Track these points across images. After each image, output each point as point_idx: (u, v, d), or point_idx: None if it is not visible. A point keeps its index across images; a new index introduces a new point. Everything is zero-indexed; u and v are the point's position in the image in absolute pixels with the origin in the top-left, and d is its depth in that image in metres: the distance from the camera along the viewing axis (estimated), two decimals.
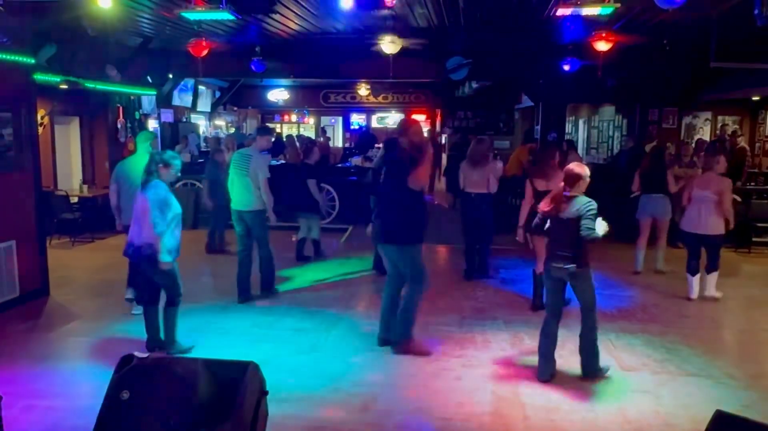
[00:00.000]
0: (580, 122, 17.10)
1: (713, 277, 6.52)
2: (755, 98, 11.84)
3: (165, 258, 4.64)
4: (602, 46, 8.52)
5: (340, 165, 13.66)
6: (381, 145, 8.35)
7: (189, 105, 15.05)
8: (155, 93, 12.03)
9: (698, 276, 6.56)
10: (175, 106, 14.12)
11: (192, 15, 7.23)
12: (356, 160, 13.09)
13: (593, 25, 8.26)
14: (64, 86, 9.03)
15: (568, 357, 5.04)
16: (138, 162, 5.61)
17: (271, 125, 21.05)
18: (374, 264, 7.37)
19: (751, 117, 12.84)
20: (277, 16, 8.30)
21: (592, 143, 16.01)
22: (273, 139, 7.81)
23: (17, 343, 5.29)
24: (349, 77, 15.05)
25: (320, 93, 19.08)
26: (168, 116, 14.05)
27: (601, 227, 4.36)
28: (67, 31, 7.97)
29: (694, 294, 6.55)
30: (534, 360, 4.99)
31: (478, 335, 5.54)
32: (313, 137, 19.38)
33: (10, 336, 5.44)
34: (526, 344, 5.33)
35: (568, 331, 5.62)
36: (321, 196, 8.18)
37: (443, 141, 17.83)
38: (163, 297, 4.96)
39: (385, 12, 7.95)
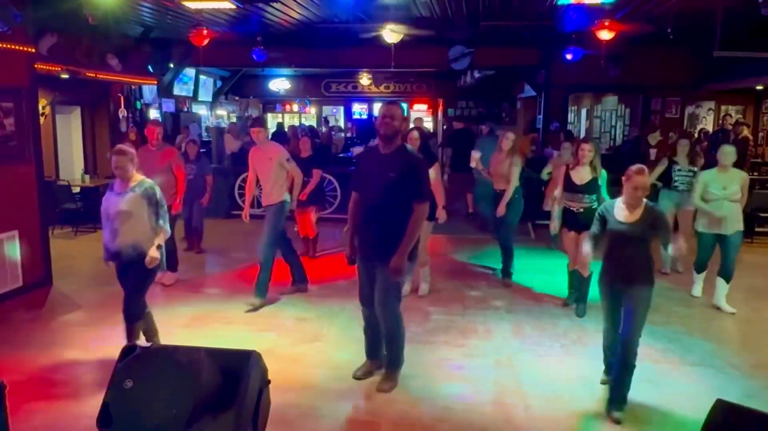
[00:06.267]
0: (583, 112, 17.04)
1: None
2: (759, 87, 11.76)
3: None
4: (605, 35, 8.45)
5: (341, 155, 13.63)
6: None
7: (190, 94, 15.01)
8: (156, 82, 11.99)
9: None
10: (176, 95, 14.08)
11: (193, 3, 7.20)
12: (357, 149, 13.06)
13: (596, 14, 8.20)
14: (65, 76, 9.00)
15: (569, 347, 5.06)
16: None
17: (272, 115, 21.00)
18: None
19: (755, 106, 12.77)
20: (278, 5, 8.24)
21: (594, 133, 15.95)
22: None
23: (21, 332, 5.32)
24: (350, 67, 14.97)
25: (322, 82, 19.00)
26: (169, 106, 14.01)
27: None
28: (67, 21, 7.92)
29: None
30: (535, 348, 5.02)
31: (480, 325, 5.55)
32: (315, 126, 19.40)
33: (14, 326, 5.46)
34: (527, 333, 5.34)
35: (571, 321, 5.66)
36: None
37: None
38: None
39: (387, 1, 7.92)
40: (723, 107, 12.81)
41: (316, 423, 3.81)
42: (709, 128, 12.52)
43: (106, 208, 4.41)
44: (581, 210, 5.60)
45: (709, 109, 12.92)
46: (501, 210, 6.54)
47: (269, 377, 3.33)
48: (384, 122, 3.95)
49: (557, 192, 5.87)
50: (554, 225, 5.91)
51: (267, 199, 6.03)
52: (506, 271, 6.89)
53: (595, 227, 4.16)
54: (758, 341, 5.39)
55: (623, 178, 3.96)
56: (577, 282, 5.89)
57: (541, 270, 7.38)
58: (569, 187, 5.68)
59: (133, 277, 4.39)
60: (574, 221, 5.68)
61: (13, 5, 5.56)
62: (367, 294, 4.25)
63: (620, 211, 3.98)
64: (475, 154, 7.01)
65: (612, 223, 4.00)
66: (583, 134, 15.99)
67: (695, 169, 7.01)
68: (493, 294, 6.45)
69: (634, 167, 3.95)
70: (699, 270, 6.44)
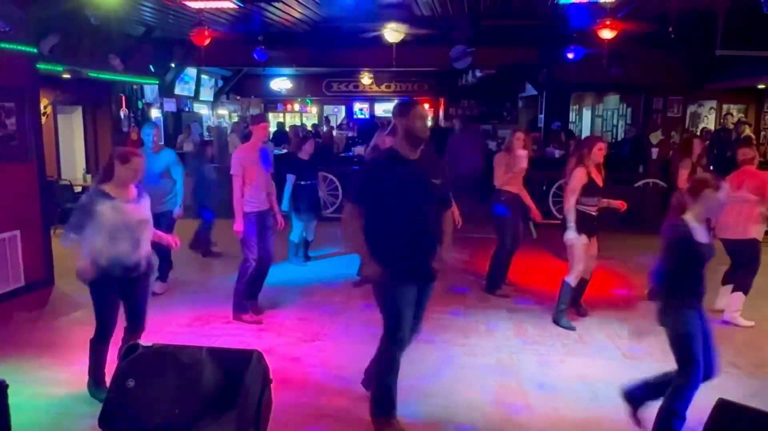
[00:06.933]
0: (584, 111, 17.04)
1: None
2: (761, 86, 11.76)
3: None
4: (607, 34, 8.46)
5: (342, 154, 13.64)
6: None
7: (191, 94, 15.02)
8: (158, 82, 12.01)
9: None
10: (177, 95, 14.09)
11: (194, 3, 7.21)
12: (359, 149, 13.07)
13: (598, 12, 8.21)
14: (67, 76, 9.01)
15: (571, 346, 5.05)
16: None
17: (274, 114, 21.02)
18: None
19: (757, 105, 12.77)
20: (279, 4, 8.26)
21: (596, 132, 15.97)
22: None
23: (23, 332, 5.32)
24: (351, 66, 15.02)
25: (323, 82, 19.02)
26: (171, 105, 14.03)
27: None
28: (70, 21, 7.95)
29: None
30: (537, 347, 5.01)
31: (481, 324, 5.55)
32: (318, 125, 19.40)
33: (16, 325, 5.46)
34: (529, 333, 5.34)
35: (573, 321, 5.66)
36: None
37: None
38: None
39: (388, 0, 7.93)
40: (725, 106, 12.82)
41: (316, 423, 3.81)
42: (711, 127, 12.53)
43: (122, 217, 3.82)
44: (597, 213, 5.29)
45: (711, 108, 12.92)
46: (538, 214, 6.28)
47: (271, 376, 3.34)
48: (426, 125, 3.50)
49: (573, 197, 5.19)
50: (575, 234, 5.20)
51: (266, 203, 5.57)
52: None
53: (678, 256, 3.35)
54: (760, 340, 5.38)
55: (707, 189, 3.28)
56: (576, 291, 5.55)
57: (543, 270, 7.37)
58: (594, 190, 5.14)
59: (145, 289, 4.20)
60: (592, 226, 5.28)
61: (14, 5, 5.58)
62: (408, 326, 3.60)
63: (699, 231, 3.34)
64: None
65: (701, 247, 3.33)
66: (585, 134, 16.00)
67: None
68: (495, 294, 6.43)
69: (708, 177, 3.39)
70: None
